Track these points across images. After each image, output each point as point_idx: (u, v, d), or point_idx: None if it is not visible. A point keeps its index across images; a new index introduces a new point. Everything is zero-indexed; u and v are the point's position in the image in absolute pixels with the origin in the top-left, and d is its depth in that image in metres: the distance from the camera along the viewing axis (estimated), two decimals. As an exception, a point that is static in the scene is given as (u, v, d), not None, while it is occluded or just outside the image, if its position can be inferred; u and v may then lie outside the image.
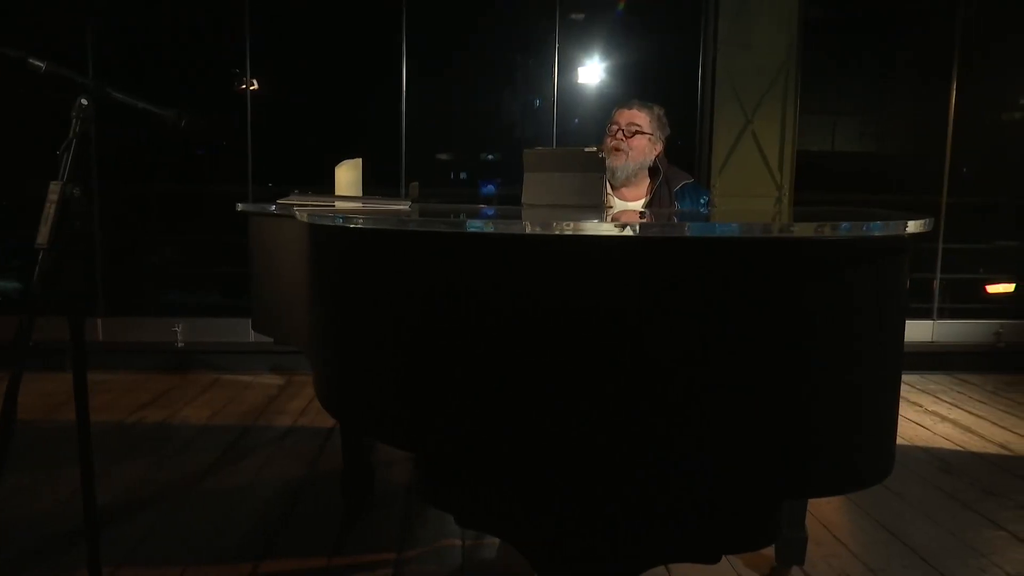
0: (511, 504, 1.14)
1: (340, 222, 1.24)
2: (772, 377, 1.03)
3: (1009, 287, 5.61)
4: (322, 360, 1.43)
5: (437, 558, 2.39)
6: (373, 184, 4.95)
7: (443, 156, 5.76)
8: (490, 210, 2.03)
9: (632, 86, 5.08)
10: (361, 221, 1.21)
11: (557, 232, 1.02)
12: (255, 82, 5.04)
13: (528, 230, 1.05)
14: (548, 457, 1.08)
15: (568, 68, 5.05)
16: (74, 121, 1.39)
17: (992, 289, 5.61)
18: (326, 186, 2.45)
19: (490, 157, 5.88)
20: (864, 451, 1.11)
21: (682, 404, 1.03)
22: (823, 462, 1.06)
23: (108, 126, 4.63)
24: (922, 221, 1.05)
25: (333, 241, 1.34)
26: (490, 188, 5.95)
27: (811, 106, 5.14)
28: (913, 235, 1.08)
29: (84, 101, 1.39)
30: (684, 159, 4.84)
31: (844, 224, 1.00)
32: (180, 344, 4.61)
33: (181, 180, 5.08)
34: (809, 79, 4.80)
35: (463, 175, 5.91)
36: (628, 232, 0.99)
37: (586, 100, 5.07)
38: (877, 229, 1.00)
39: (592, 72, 5.24)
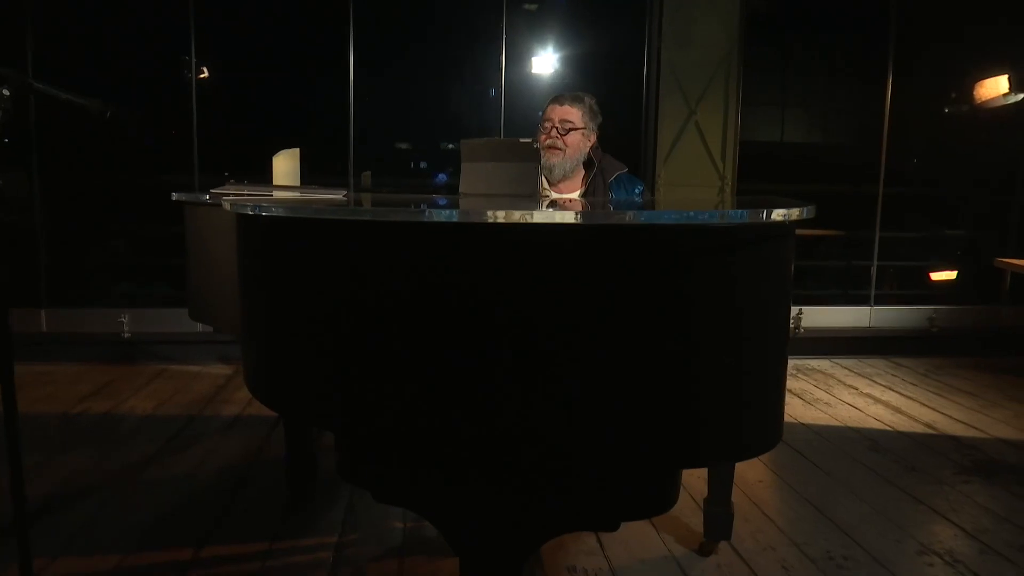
0: (421, 480, 1.19)
1: (256, 211, 1.28)
2: (657, 356, 1.10)
3: (951, 274, 5.82)
4: (247, 345, 1.47)
5: (378, 540, 2.43)
6: (327, 175, 4.96)
7: (402, 145, 5.78)
8: (441, 199, 2.08)
9: (582, 77, 5.15)
10: (274, 210, 1.26)
11: (426, 220, 1.08)
12: (204, 70, 5.00)
13: (402, 218, 1.11)
14: (452, 434, 1.13)
15: (521, 58, 5.10)
16: (-3, 112, 1.39)
17: (936, 276, 5.82)
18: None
19: (450, 146, 5.91)
20: (749, 423, 1.18)
21: (576, 383, 1.09)
22: (709, 434, 1.13)
23: (51, 115, 4.56)
24: (798, 209, 1.12)
25: (252, 229, 1.37)
26: (442, 177, 5.99)
27: (760, 98, 5.28)
28: (793, 222, 1.15)
29: (5, 92, 1.39)
30: (631, 149, 4.94)
31: (694, 212, 1.07)
32: (126, 335, 4.57)
33: (128, 171, 5.01)
34: (756, 72, 4.92)
35: (423, 164, 5.94)
36: (502, 219, 1.05)
37: (538, 90, 5.12)
38: (736, 217, 1.07)
39: (544, 62, 5.29)
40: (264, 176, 2.43)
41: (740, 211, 1.08)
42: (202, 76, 4.96)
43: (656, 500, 1.18)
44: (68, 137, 4.74)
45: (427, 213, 1.08)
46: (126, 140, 4.94)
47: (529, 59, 5.24)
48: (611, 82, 5.31)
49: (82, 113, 1.47)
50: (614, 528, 1.17)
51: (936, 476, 3.02)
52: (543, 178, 2.96)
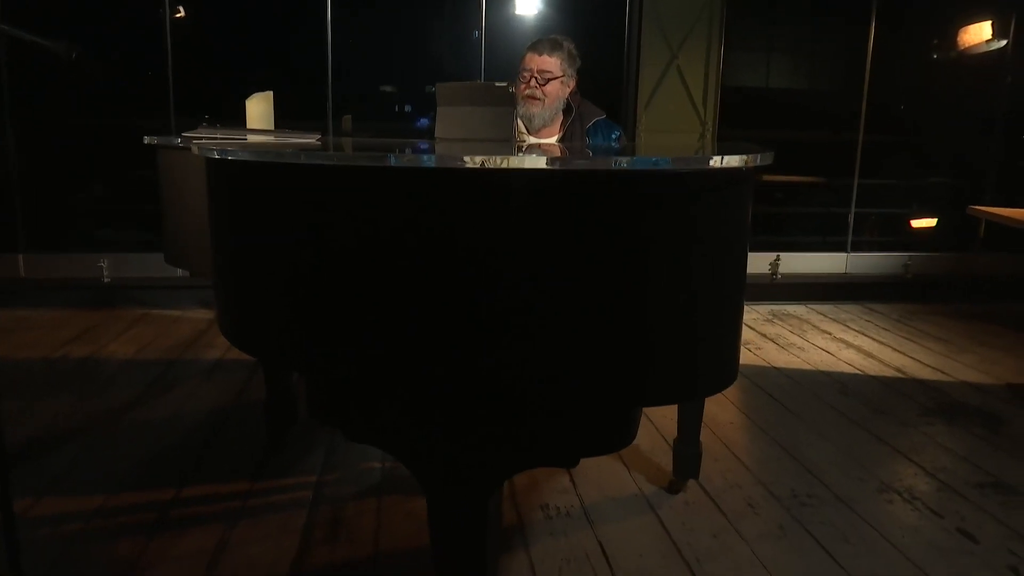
0: (387, 419, 1.23)
1: (222, 155, 1.28)
2: (611, 298, 1.13)
3: (932, 221, 5.89)
4: (218, 288, 1.49)
5: (356, 479, 2.49)
6: (308, 119, 4.89)
7: (387, 88, 5.70)
8: (421, 143, 2.08)
9: (565, 18, 5.07)
10: (239, 154, 1.26)
11: (383, 165, 1.09)
12: (180, 9, 4.88)
13: (362, 163, 1.12)
14: (416, 376, 1.17)
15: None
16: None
17: (916, 224, 5.89)
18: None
19: (433, 89, 5.84)
20: (703, 364, 1.22)
21: (531, 325, 1.12)
22: (664, 373, 1.17)
23: (22, 57, 4.46)
24: (753, 155, 1.14)
25: (219, 174, 1.37)
26: (424, 121, 5.94)
27: (745, 43, 5.23)
28: (751, 169, 1.18)
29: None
30: (612, 92, 4.91)
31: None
32: (106, 279, 4.56)
33: (103, 114, 4.93)
34: (740, 16, 4.86)
35: (408, 107, 5.87)
36: (458, 166, 1.07)
37: (521, 31, 5.04)
38: (692, 163, 1.09)
39: (528, 3, 5.20)
40: (240, 119, 2.41)
41: (695, 157, 1.10)
42: (178, 16, 4.85)
43: (614, 437, 1.22)
44: (41, 79, 4.64)
45: (385, 159, 1.10)
46: (100, 82, 4.85)
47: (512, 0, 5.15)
48: (594, 21, 5.24)
49: (47, 54, 1.45)
50: (573, 464, 1.22)
51: (901, 418, 3.11)
52: (522, 124, 2.96)
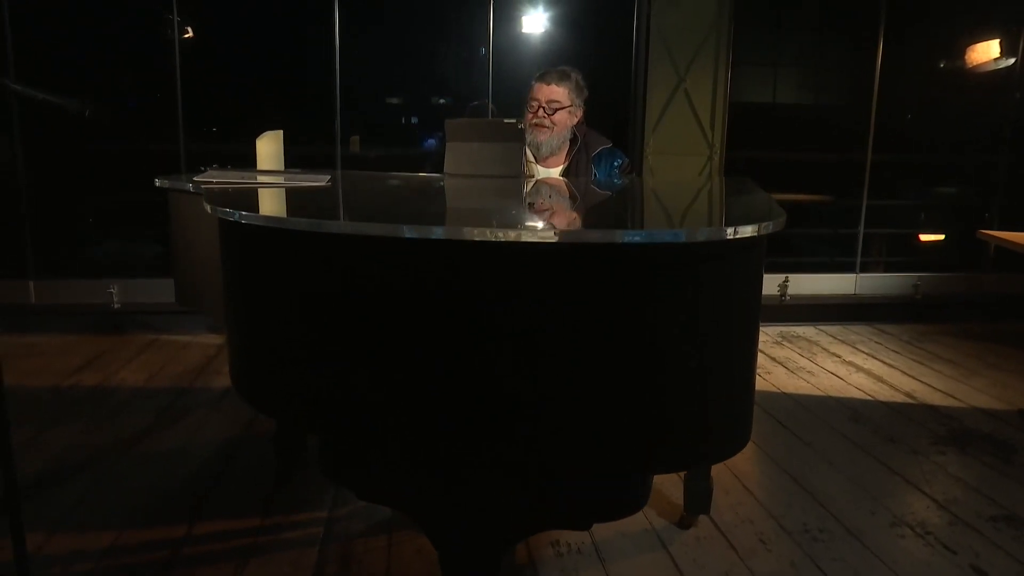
0: (402, 482, 1.23)
1: (237, 217, 1.29)
2: (622, 368, 1.13)
3: (939, 236, 5.88)
4: (229, 342, 1.50)
5: (366, 515, 2.49)
6: (316, 137, 4.89)
7: (393, 100, 5.73)
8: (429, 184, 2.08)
9: (572, 36, 5.09)
10: (255, 218, 1.27)
11: (398, 236, 1.10)
12: (189, 30, 4.90)
13: (376, 232, 1.13)
14: (432, 440, 1.17)
15: (511, 17, 5.02)
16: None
17: (924, 237, 5.88)
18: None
19: (441, 101, 5.87)
20: (716, 431, 1.22)
21: (542, 390, 1.12)
22: (676, 442, 1.17)
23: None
24: (768, 223, 1.14)
25: (233, 233, 1.38)
26: (431, 142, 5.96)
27: (751, 57, 5.23)
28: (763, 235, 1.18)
29: (-19, 93, 1.38)
30: (619, 116, 4.91)
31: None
32: (116, 305, 4.58)
33: (112, 137, 4.95)
34: (747, 30, 4.85)
35: (414, 119, 5.90)
36: (475, 236, 1.07)
37: (527, 49, 5.06)
38: (703, 235, 1.09)
39: (534, 22, 5.22)
40: (249, 139, 2.40)
41: (706, 228, 1.10)
42: (186, 36, 4.88)
43: (625, 503, 1.22)
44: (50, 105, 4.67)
45: (398, 229, 1.10)
46: (111, 105, 4.89)
47: (519, 18, 5.18)
48: (601, 41, 5.25)
49: (60, 112, 1.47)
50: (586, 528, 1.22)
51: (912, 446, 3.09)
52: (530, 153, 2.98)
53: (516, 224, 1.07)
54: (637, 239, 1.08)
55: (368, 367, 1.18)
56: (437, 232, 1.10)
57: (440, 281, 1.13)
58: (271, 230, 1.27)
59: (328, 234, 1.18)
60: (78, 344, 4.29)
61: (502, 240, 1.06)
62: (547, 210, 1.61)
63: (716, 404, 1.20)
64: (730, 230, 1.09)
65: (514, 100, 4.61)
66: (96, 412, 3.30)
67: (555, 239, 1.08)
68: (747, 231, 1.10)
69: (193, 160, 4.74)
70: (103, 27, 4.85)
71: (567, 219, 1.35)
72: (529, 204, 1.75)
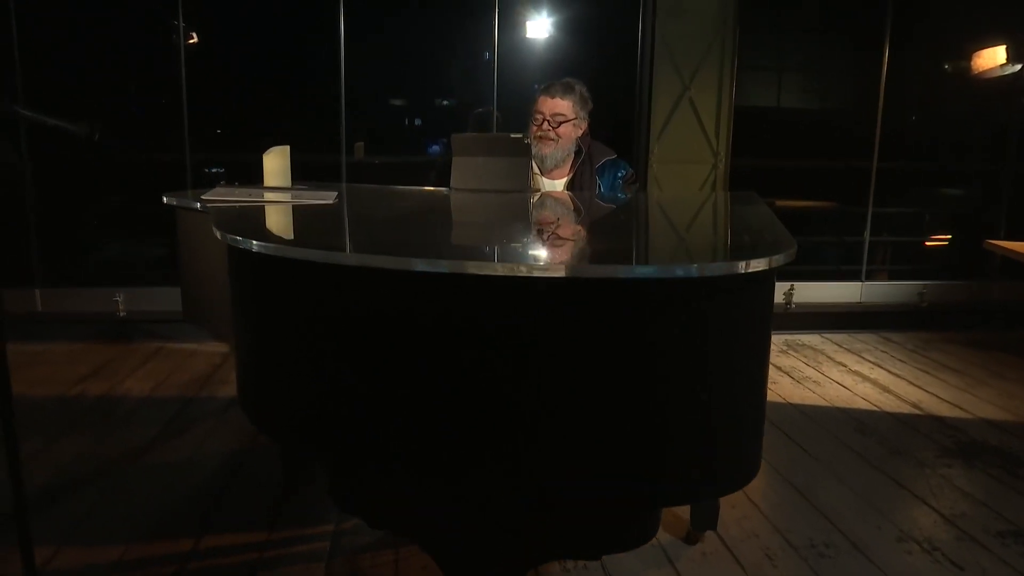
0: (412, 512, 1.23)
1: (245, 245, 1.29)
2: (629, 403, 1.13)
3: (945, 238, 5.87)
4: (238, 365, 1.50)
5: (373, 529, 2.49)
6: (321, 141, 4.89)
7: (397, 102, 5.73)
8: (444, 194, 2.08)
9: (576, 42, 5.08)
10: (267, 247, 1.27)
11: (409, 269, 1.10)
12: (194, 35, 4.91)
13: (388, 265, 1.13)
14: (443, 471, 1.17)
15: (516, 23, 5.02)
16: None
17: (930, 243, 5.87)
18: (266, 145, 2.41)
19: (444, 103, 5.87)
20: (722, 464, 1.22)
21: (553, 430, 1.13)
22: (679, 477, 1.17)
23: (36, 96, 4.52)
24: (778, 256, 1.14)
25: (244, 260, 1.39)
26: (435, 148, 5.96)
27: (755, 61, 5.22)
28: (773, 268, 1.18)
29: (-9, 120, 1.38)
30: (624, 124, 4.91)
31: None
32: (122, 313, 4.59)
33: (117, 145, 4.97)
34: (751, 33, 4.84)
35: (417, 121, 5.91)
36: (483, 271, 1.08)
37: (532, 54, 5.06)
38: (714, 271, 1.09)
39: (539, 27, 5.22)
40: (252, 146, 2.39)
41: (718, 264, 1.10)
42: (191, 42, 4.88)
43: (635, 534, 1.23)
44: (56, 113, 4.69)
45: (410, 262, 1.11)
46: (116, 115, 4.90)
47: (524, 23, 5.17)
48: (606, 48, 5.25)
49: (70, 136, 1.47)
50: (595, 558, 1.22)
51: (919, 459, 3.09)
52: (535, 165, 2.98)
53: (523, 255, 1.07)
54: (647, 274, 1.08)
55: (379, 396, 1.18)
56: (445, 266, 1.11)
57: (450, 314, 1.13)
58: (277, 260, 1.28)
59: (339, 266, 1.19)
60: (84, 352, 4.30)
61: (509, 276, 1.06)
62: (554, 238, 1.62)
63: (724, 437, 1.20)
64: (742, 264, 1.09)
65: (517, 105, 4.62)
66: (103, 422, 3.31)
67: (563, 274, 1.08)
68: (759, 265, 1.10)
69: (198, 166, 4.76)
70: (107, 31, 4.86)
71: (574, 249, 1.35)
72: (538, 231, 1.75)
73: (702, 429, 1.17)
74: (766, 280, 1.21)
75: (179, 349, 4.42)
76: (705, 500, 2.02)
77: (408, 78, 5.44)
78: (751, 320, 1.20)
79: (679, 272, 1.08)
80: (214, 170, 5.28)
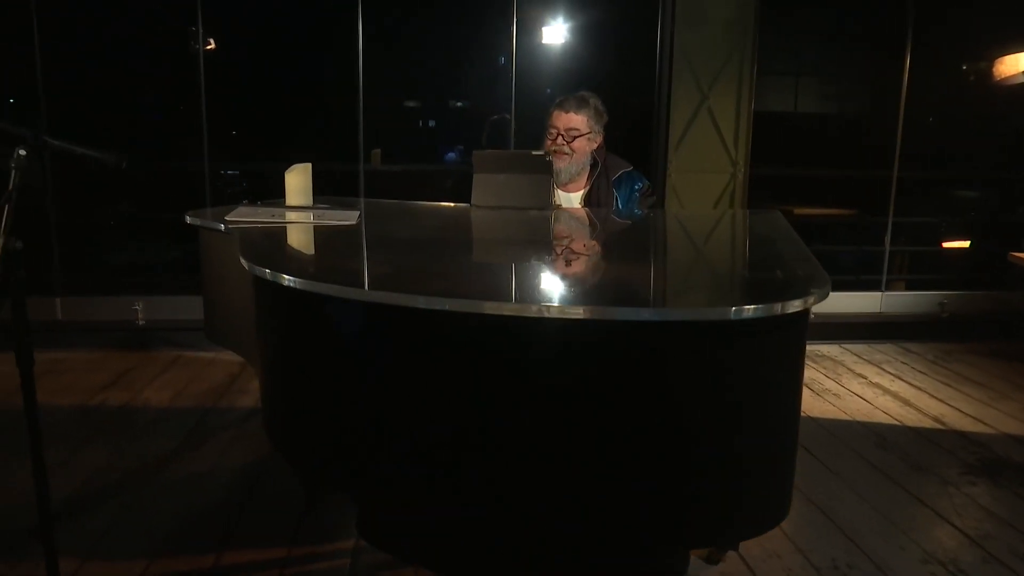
0: (442, 549, 1.23)
1: (273, 278, 1.29)
2: (653, 448, 1.12)
3: (964, 243, 5.82)
4: (263, 392, 1.50)
5: (392, 546, 2.49)
6: (338, 148, 4.89)
7: (411, 104, 5.74)
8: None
9: (593, 48, 5.07)
10: (296, 281, 1.27)
11: (432, 308, 1.10)
12: (211, 41, 4.93)
13: (421, 305, 1.13)
14: (469, 508, 1.17)
15: (532, 28, 5.01)
16: (13, 173, 1.38)
17: (947, 245, 5.82)
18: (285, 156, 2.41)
19: (459, 104, 5.87)
20: (749, 509, 1.21)
21: (578, 475, 1.12)
22: (705, 521, 1.16)
23: (58, 101, 4.56)
24: (810, 297, 1.12)
25: (268, 290, 1.39)
26: (451, 156, 5.96)
27: (773, 67, 5.18)
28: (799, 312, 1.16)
29: (22, 152, 1.38)
30: (642, 133, 4.89)
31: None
32: (141, 322, 4.62)
33: (138, 155, 5.00)
34: (768, 38, 4.81)
35: (431, 123, 5.92)
36: (507, 312, 1.07)
37: (549, 60, 5.05)
38: (745, 315, 1.08)
39: (555, 32, 5.20)
40: (270, 154, 2.40)
41: (751, 307, 1.08)
42: (209, 47, 4.91)
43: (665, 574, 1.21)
44: (79, 121, 4.73)
45: (428, 300, 1.10)
46: (137, 122, 4.94)
47: (540, 29, 5.16)
48: (624, 55, 5.24)
49: (99, 166, 1.48)
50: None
51: (942, 476, 3.05)
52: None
53: (543, 297, 1.06)
54: (672, 318, 1.07)
55: (409, 431, 1.18)
56: (474, 307, 1.10)
57: (479, 352, 1.12)
58: (304, 295, 1.27)
59: (365, 303, 1.19)
60: (104, 360, 4.33)
61: (530, 317, 1.05)
62: (582, 273, 1.59)
63: (752, 480, 1.19)
64: (778, 306, 1.08)
65: (533, 112, 4.61)
66: (123, 433, 3.33)
67: (583, 316, 1.07)
68: (795, 306, 1.09)
69: (217, 173, 4.79)
70: (124, 39, 4.90)
71: (598, 284, 1.32)
72: (565, 263, 1.74)
73: (730, 472, 1.15)
74: (800, 319, 1.19)
75: (198, 358, 4.44)
76: (731, 543, 2.01)
77: (423, 80, 5.45)
78: (782, 361, 1.18)
79: (713, 316, 1.07)
80: (229, 172, 5.32)
